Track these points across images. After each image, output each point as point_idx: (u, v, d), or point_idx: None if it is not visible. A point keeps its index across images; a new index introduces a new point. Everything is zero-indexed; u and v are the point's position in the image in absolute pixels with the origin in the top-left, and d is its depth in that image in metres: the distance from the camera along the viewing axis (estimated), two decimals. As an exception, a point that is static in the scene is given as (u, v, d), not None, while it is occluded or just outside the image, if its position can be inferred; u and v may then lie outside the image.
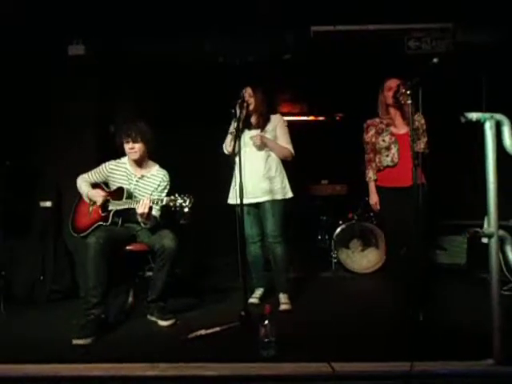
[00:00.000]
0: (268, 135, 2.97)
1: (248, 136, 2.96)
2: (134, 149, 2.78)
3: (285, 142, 3.02)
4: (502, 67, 3.70)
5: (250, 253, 3.06)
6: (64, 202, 3.46)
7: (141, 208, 2.56)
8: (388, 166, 2.87)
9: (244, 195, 2.85)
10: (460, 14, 3.56)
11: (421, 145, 2.73)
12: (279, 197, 2.97)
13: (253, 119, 2.98)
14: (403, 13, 3.56)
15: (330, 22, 3.66)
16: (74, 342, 2.31)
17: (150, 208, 2.59)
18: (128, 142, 2.77)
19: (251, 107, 2.93)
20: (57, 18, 3.39)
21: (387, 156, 2.86)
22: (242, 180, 2.67)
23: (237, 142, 2.65)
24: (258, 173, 2.94)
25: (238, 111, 2.77)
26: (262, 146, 2.94)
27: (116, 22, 3.52)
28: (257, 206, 3.01)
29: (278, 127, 3.01)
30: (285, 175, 3.04)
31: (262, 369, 1.91)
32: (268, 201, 2.94)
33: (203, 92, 4.16)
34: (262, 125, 2.98)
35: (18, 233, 3.33)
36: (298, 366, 1.91)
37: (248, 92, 2.96)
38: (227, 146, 2.98)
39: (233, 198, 3.05)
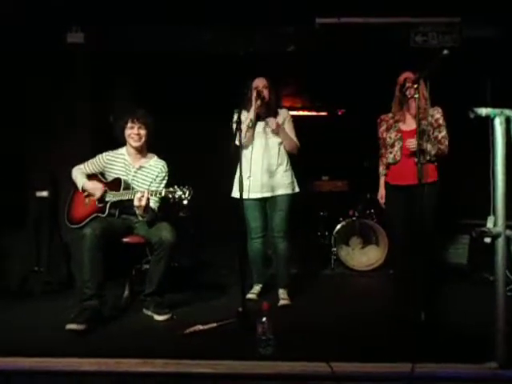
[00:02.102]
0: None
1: (260, 128, 2.89)
2: (139, 135, 2.71)
3: (292, 136, 3.00)
4: (509, 62, 3.63)
5: (252, 248, 3.02)
6: (61, 192, 3.40)
7: (137, 201, 2.50)
8: (390, 163, 2.86)
9: (253, 189, 2.85)
10: (468, 8, 3.49)
11: (426, 145, 2.66)
12: (289, 191, 2.95)
13: (263, 111, 2.91)
14: (410, 6, 3.49)
15: (334, 14, 3.59)
16: (68, 326, 2.29)
17: (148, 200, 2.53)
18: (133, 128, 2.70)
19: (266, 98, 2.86)
20: (55, 5, 3.32)
21: (390, 153, 2.84)
22: (251, 173, 2.66)
23: (239, 134, 2.57)
24: (269, 166, 2.90)
25: (253, 101, 2.74)
26: (277, 130, 2.87)
27: (115, 11, 3.45)
28: (265, 200, 2.96)
29: (286, 121, 2.98)
30: (292, 170, 3.02)
31: (259, 367, 1.87)
32: (279, 195, 2.91)
33: (203, 83, 4.10)
34: (272, 117, 2.92)
35: (13, 223, 3.29)
36: (295, 364, 1.86)
37: (263, 83, 2.90)
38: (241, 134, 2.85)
39: (238, 192, 2.97)
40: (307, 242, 4.47)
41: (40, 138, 3.55)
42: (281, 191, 2.91)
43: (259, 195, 2.89)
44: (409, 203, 2.70)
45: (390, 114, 2.90)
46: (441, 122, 2.76)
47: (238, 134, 2.57)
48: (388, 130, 2.87)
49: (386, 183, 2.93)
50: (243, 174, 2.63)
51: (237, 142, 2.86)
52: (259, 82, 2.90)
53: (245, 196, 2.81)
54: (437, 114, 2.75)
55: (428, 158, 2.68)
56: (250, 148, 2.87)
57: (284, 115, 3.00)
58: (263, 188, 2.88)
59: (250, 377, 1.82)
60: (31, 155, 3.51)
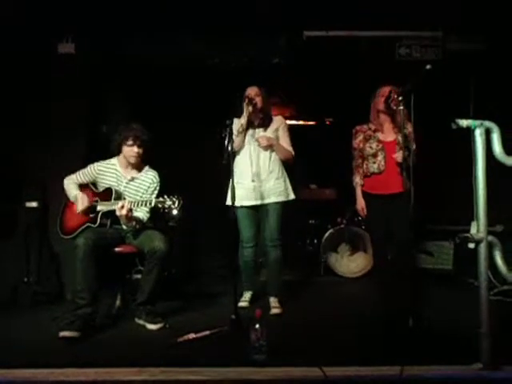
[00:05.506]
0: (271, 136, 2.96)
1: (252, 135, 2.94)
2: (138, 153, 2.74)
3: (286, 144, 3.01)
4: (490, 75, 3.77)
5: (243, 256, 3.03)
6: (51, 203, 3.38)
7: (118, 211, 2.53)
8: (374, 173, 2.90)
9: (244, 196, 2.88)
10: (450, 22, 3.63)
11: (402, 153, 2.74)
12: (282, 199, 2.96)
13: (257, 119, 2.96)
14: (395, 20, 3.61)
15: (322, 28, 3.69)
16: (61, 334, 2.30)
17: (130, 210, 2.55)
18: (132, 146, 2.73)
19: (258, 106, 2.90)
20: (47, 15, 3.34)
21: (374, 163, 2.89)
22: (245, 181, 2.72)
23: (231, 143, 2.62)
24: (262, 174, 2.91)
25: (244, 109, 2.79)
26: (268, 147, 2.92)
27: (108, 21, 3.49)
28: (257, 207, 2.97)
29: (280, 128, 3.00)
30: (286, 176, 3.04)
31: (253, 373, 1.89)
32: (272, 203, 2.93)
33: (194, 95, 4.15)
34: (266, 124, 2.97)
35: (2, 233, 3.26)
36: (288, 370, 1.90)
37: (255, 91, 2.96)
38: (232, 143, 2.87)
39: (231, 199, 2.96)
40: (296, 250, 4.52)
41: (30, 149, 3.53)
42: (272, 199, 2.93)
43: (250, 203, 2.91)
44: (389, 211, 2.80)
45: (366, 126, 2.96)
46: (412, 135, 2.86)
47: (229, 145, 2.61)
48: (367, 140, 2.91)
49: (367, 193, 2.93)
50: (236, 181, 2.66)
51: (229, 149, 2.86)
52: (251, 90, 2.96)
53: (237, 204, 2.83)
54: (410, 127, 2.83)
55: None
56: (241, 154, 2.92)
57: (278, 122, 3.02)
58: (254, 196, 2.90)
59: (243, 383, 1.85)
60: (22, 165, 3.48)
